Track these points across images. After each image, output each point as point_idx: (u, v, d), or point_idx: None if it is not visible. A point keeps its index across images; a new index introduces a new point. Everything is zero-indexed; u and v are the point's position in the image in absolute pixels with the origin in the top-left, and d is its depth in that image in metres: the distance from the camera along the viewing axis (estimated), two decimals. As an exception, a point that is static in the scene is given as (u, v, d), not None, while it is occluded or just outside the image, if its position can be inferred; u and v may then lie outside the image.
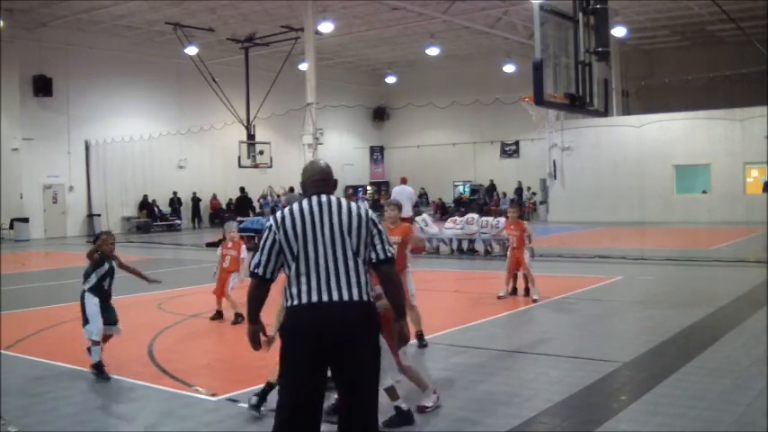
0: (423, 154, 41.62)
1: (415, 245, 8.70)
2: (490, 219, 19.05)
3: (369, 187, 42.64)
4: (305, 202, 3.96)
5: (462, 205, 36.35)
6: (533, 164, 35.78)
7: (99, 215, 30.14)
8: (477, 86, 37.07)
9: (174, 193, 33.52)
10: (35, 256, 22.75)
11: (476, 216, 19.35)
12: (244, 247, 10.34)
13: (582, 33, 9.14)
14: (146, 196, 32.28)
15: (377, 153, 43.87)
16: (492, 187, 38.46)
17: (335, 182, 4.22)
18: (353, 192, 39.75)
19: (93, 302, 7.21)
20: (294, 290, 3.84)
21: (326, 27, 26.18)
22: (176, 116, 33.31)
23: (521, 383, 6.85)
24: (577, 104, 9.34)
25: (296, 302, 3.82)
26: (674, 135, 29.72)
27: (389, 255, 4.00)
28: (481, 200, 37.77)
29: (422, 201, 37.03)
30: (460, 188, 41.08)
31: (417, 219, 20.16)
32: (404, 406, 5.61)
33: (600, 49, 9.15)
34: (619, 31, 28.19)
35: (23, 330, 9.64)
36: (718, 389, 6.31)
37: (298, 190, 28.95)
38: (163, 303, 11.58)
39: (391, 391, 5.55)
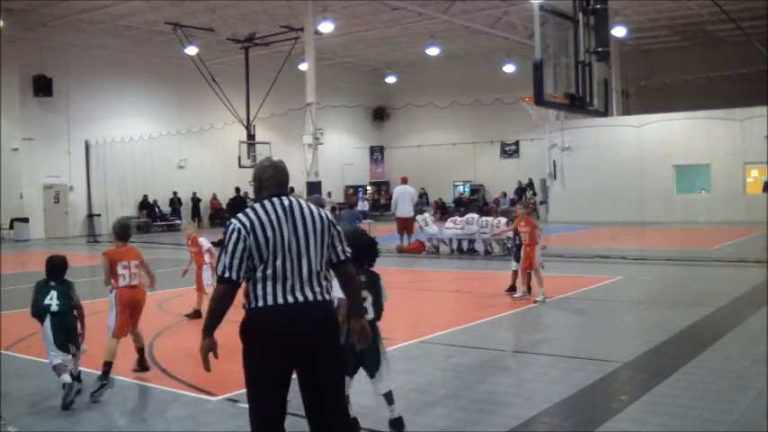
0: (423, 154, 41.61)
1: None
2: (490, 219, 19.06)
3: (369, 187, 42.64)
4: (268, 205, 3.96)
5: (462, 205, 36.35)
6: (533, 164, 35.78)
7: (99, 215, 30.13)
8: (477, 86, 37.05)
9: (174, 193, 33.52)
10: (35, 256, 22.73)
11: (476, 216, 19.35)
12: (201, 240, 10.47)
13: (582, 33, 9.16)
14: (146, 196, 32.28)
15: (377, 153, 43.86)
16: (521, 188, 37.48)
17: (289, 182, 4.28)
18: (353, 192, 39.76)
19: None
20: (259, 291, 3.85)
21: (326, 27, 26.18)
22: (176, 116, 33.31)
23: (521, 383, 6.85)
24: (577, 104, 9.36)
25: (261, 304, 3.84)
26: (674, 135, 29.71)
27: (348, 255, 4.10)
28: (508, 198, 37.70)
29: (422, 201, 37.02)
30: (460, 188, 41.08)
31: (418, 218, 20.18)
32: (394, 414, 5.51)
33: (600, 49, 9.17)
34: (619, 31, 28.17)
35: (24, 330, 9.63)
36: (718, 389, 6.31)
37: (298, 189, 28.98)
38: (163, 303, 11.58)
39: (388, 396, 5.53)
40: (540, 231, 11.27)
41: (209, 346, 3.90)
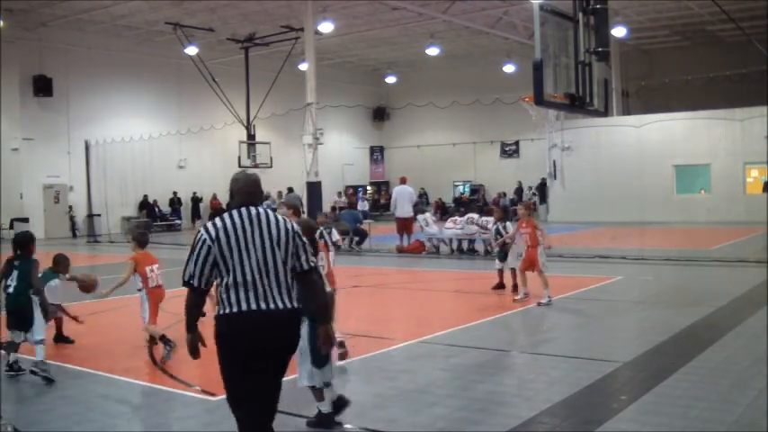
0: (423, 154, 41.62)
1: None
2: (490, 219, 19.02)
3: (369, 187, 42.64)
4: (236, 215, 4.13)
5: (462, 205, 36.34)
6: (533, 164, 35.78)
7: (99, 215, 30.14)
8: (477, 86, 37.05)
9: (174, 193, 33.52)
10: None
11: (476, 216, 19.34)
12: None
13: (582, 33, 9.16)
14: (146, 196, 32.28)
15: (377, 153, 43.86)
16: (521, 189, 37.56)
17: (262, 193, 4.45)
18: (353, 192, 39.75)
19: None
20: (232, 299, 4.03)
21: (326, 27, 26.18)
22: (176, 116, 33.31)
23: (521, 383, 6.85)
24: (577, 104, 9.36)
25: (230, 310, 4.02)
26: (674, 135, 29.72)
27: (313, 265, 4.30)
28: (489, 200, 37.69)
29: (422, 201, 37.03)
30: (460, 188, 41.08)
31: (419, 218, 20.16)
32: (324, 409, 5.64)
33: (600, 49, 9.17)
34: (619, 31, 28.18)
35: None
36: (718, 389, 6.31)
37: (297, 189, 29.01)
38: (163, 303, 11.56)
39: (317, 392, 5.61)
40: (541, 232, 11.15)
41: (193, 340, 4.24)
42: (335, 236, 13.15)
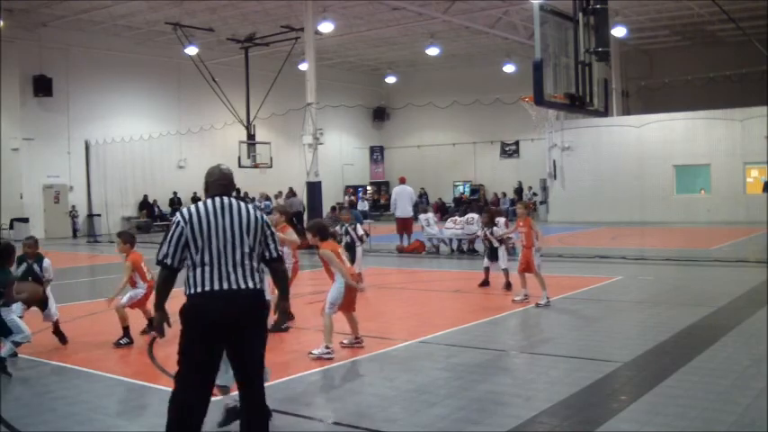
0: (423, 154, 41.63)
1: (292, 246, 9.72)
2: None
3: (369, 187, 42.65)
4: (209, 202, 4.51)
5: (462, 205, 36.30)
6: (533, 164, 35.78)
7: (99, 215, 30.15)
8: (477, 86, 37.06)
9: (174, 193, 33.52)
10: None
11: (476, 216, 19.33)
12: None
13: (582, 33, 9.14)
14: (146, 196, 32.28)
15: (377, 153, 43.86)
16: (521, 189, 37.63)
17: (234, 186, 4.81)
18: (353, 192, 39.75)
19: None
20: (197, 278, 4.34)
21: (326, 27, 26.17)
22: (176, 116, 33.31)
23: (521, 383, 6.85)
24: (577, 104, 9.34)
25: (196, 290, 4.33)
26: (674, 135, 29.73)
27: (279, 254, 4.68)
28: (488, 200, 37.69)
29: (422, 201, 37.04)
30: (460, 188, 41.09)
31: (421, 217, 20.15)
32: (230, 403, 5.57)
33: (600, 49, 9.16)
34: (619, 31, 28.18)
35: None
36: (718, 389, 6.31)
37: (297, 189, 29.00)
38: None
39: (223, 389, 5.54)
40: (536, 233, 11.00)
41: (160, 318, 4.62)
42: (360, 230, 13.33)
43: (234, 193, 4.79)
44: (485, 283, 12.95)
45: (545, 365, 7.48)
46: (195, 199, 34.03)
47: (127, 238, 9.00)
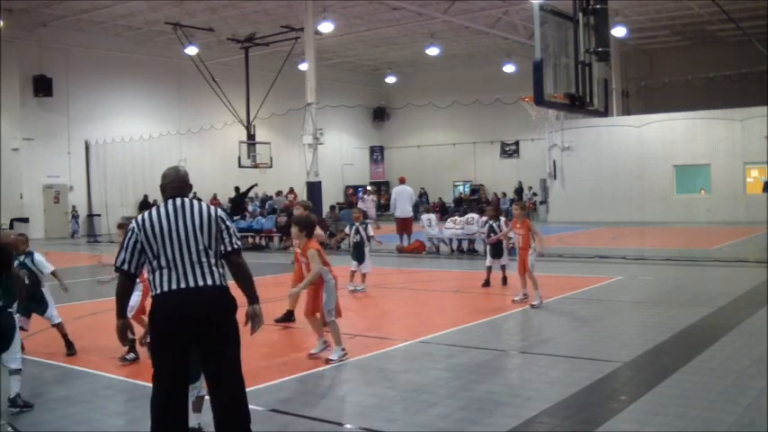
0: (423, 154, 41.63)
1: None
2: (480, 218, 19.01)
3: (369, 187, 42.67)
4: (162, 206, 4.51)
5: (463, 204, 36.30)
6: (533, 164, 35.78)
7: (99, 215, 30.15)
8: (477, 86, 37.07)
9: (174, 192, 33.49)
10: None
11: (476, 216, 19.33)
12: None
13: (582, 33, 9.15)
14: (146, 196, 32.24)
15: (377, 153, 43.86)
16: (521, 189, 37.68)
17: (190, 186, 4.76)
18: (353, 192, 39.75)
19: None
20: (157, 281, 4.38)
21: (326, 27, 26.17)
22: (176, 116, 33.32)
23: (521, 383, 6.85)
24: (577, 104, 9.35)
25: (158, 291, 4.37)
26: (674, 135, 29.73)
27: (236, 246, 4.57)
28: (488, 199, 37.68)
29: (422, 201, 37.04)
30: (460, 188, 41.09)
31: (422, 218, 20.13)
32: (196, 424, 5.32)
33: (600, 49, 9.16)
34: (619, 31, 28.18)
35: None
36: (718, 389, 6.31)
37: (297, 189, 28.99)
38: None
39: (196, 402, 5.27)
40: (537, 236, 10.90)
41: (123, 326, 4.62)
42: (371, 231, 13.26)
43: (192, 194, 4.83)
44: (487, 283, 12.88)
45: (545, 365, 7.48)
46: (195, 199, 33.95)
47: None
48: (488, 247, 13.10)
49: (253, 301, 4.60)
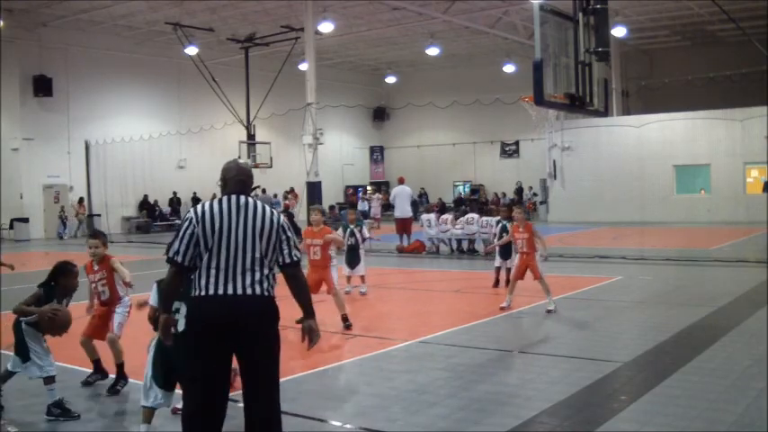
0: (423, 154, 41.64)
1: (336, 245, 10.25)
2: (490, 219, 19.02)
3: (369, 187, 42.68)
4: (224, 201, 4.22)
5: (463, 203, 36.30)
6: (533, 164, 35.78)
7: (99, 215, 30.15)
8: (477, 86, 37.07)
9: (174, 193, 33.53)
10: (35, 256, 22.73)
11: (476, 216, 19.32)
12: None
13: (582, 33, 9.14)
14: (146, 196, 32.29)
15: (377, 153, 43.87)
16: (521, 189, 37.69)
17: (252, 184, 4.48)
18: (353, 192, 39.75)
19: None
20: (203, 281, 4.10)
21: (326, 27, 26.18)
22: (176, 116, 33.32)
23: (521, 383, 6.85)
24: (577, 104, 9.34)
25: (203, 293, 4.09)
26: (674, 135, 29.73)
27: (295, 259, 4.31)
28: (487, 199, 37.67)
29: (422, 201, 37.05)
30: (460, 188, 41.09)
31: (422, 218, 20.12)
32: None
33: (600, 49, 9.15)
34: (619, 31, 28.19)
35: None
36: (718, 389, 6.31)
37: (297, 189, 28.99)
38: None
39: (147, 413, 5.27)
40: (540, 240, 10.65)
41: (167, 321, 4.36)
42: (366, 232, 13.07)
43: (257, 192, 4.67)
44: (496, 283, 12.70)
45: (545, 365, 7.48)
46: (195, 199, 34.06)
47: (105, 240, 7.21)
48: (498, 248, 12.93)
49: (309, 315, 4.33)
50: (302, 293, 4.34)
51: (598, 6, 9.10)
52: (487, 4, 27.34)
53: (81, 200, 29.90)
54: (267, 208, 4.29)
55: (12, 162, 28.27)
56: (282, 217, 4.34)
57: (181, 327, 4.85)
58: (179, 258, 4.14)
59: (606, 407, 6.04)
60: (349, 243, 12.19)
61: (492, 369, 7.39)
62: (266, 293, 4.15)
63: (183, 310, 4.88)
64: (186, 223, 4.17)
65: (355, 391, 6.73)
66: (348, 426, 5.73)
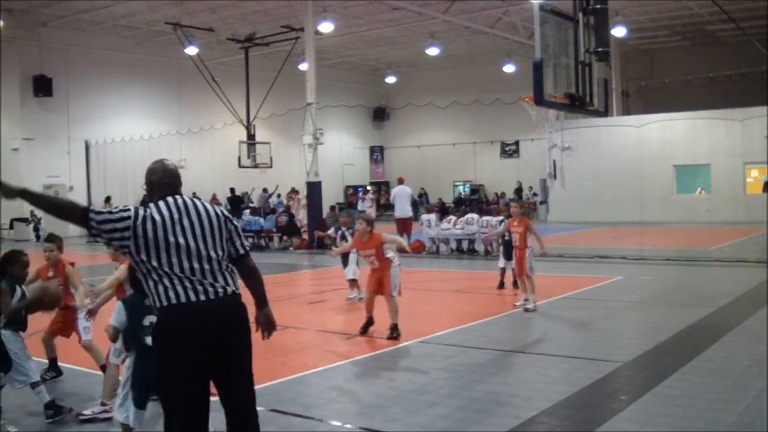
0: (423, 154, 41.63)
1: (397, 246, 9.48)
2: (490, 219, 19.03)
3: (369, 187, 42.70)
4: (162, 205, 3.88)
5: (462, 204, 36.31)
6: (533, 164, 35.78)
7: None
8: (477, 86, 37.07)
9: (174, 193, 33.50)
10: (35, 256, 22.73)
11: (476, 216, 19.33)
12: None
13: (582, 33, 9.16)
14: (145, 196, 32.21)
15: (377, 153, 43.87)
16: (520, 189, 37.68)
17: (180, 182, 4.19)
18: (353, 192, 39.75)
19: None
20: (161, 290, 3.73)
21: (326, 27, 26.17)
22: (176, 116, 33.32)
23: (521, 383, 6.84)
24: (577, 104, 9.35)
25: (167, 303, 3.72)
26: (674, 135, 29.72)
27: (247, 248, 4.13)
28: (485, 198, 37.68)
29: (421, 201, 37.05)
30: (460, 188, 41.09)
31: (423, 218, 20.12)
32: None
33: (600, 49, 9.17)
34: (619, 31, 28.17)
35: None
36: (718, 389, 6.31)
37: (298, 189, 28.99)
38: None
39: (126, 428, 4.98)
40: (535, 235, 10.63)
41: (7, 190, 4.03)
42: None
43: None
44: (501, 284, 12.54)
45: (545, 365, 7.48)
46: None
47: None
48: (501, 249, 12.83)
49: (263, 304, 4.15)
50: (257, 283, 4.14)
51: (598, 6, 9.12)
52: (487, 4, 27.33)
53: (107, 197, 29.75)
54: (208, 204, 4.07)
55: (12, 162, 28.24)
56: (222, 208, 4.11)
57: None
58: (92, 210, 3.78)
59: (606, 407, 6.04)
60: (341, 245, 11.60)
61: (492, 369, 7.39)
62: (234, 290, 3.89)
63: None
64: (126, 210, 3.80)
65: (355, 391, 6.73)
66: (348, 426, 5.73)
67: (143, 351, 4.70)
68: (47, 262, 6.92)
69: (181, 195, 4.02)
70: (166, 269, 3.75)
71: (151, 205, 3.91)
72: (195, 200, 4.06)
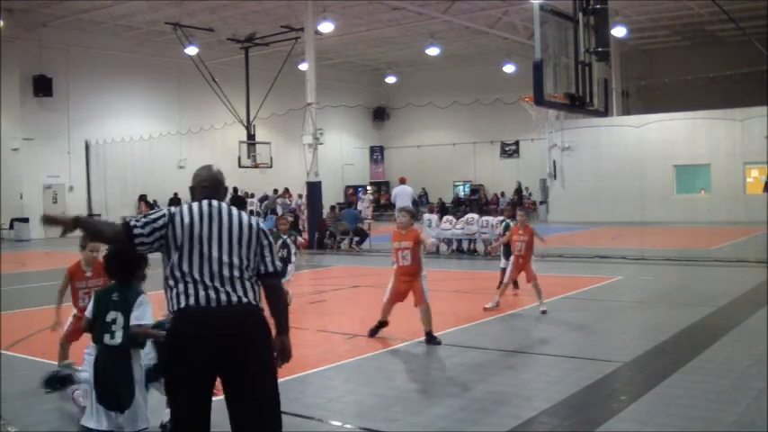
0: (423, 154, 41.64)
1: (426, 247, 9.07)
2: (490, 219, 19.03)
3: (368, 187, 42.71)
4: (195, 206, 3.87)
5: (462, 204, 36.31)
6: (533, 164, 35.78)
7: (99, 215, 30.12)
8: (477, 86, 37.08)
9: (175, 193, 33.46)
10: (35, 256, 22.74)
11: (476, 216, 19.34)
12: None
13: (582, 33, 9.15)
14: (144, 196, 32.26)
15: (377, 153, 43.88)
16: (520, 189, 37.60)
17: (226, 189, 4.18)
18: (353, 192, 39.75)
19: None
20: (179, 293, 3.70)
21: (326, 27, 26.18)
22: (176, 116, 33.32)
23: (521, 383, 6.85)
24: (577, 104, 9.35)
25: (182, 306, 3.68)
26: (674, 135, 29.73)
27: (276, 269, 3.97)
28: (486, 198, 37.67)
29: (422, 201, 37.05)
30: (460, 188, 41.10)
31: (424, 217, 20.10)
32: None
33: (600, 49, 9.16)
34: (619, 31, 28.17)
35: (23, 330, 9.64)
36: (718, 389, 6.31)
37: (297, 189, 28.97)
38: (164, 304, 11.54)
39: None
40: (540, 239, 10.64)
41: (47, 218, 3.88)
42: (293, 248, 11.19)
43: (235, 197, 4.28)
44: (502, 284, 12.54)
45: (545, 365, 7.48)
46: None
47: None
48: (502, 249, 12.83)
49: (283, 331, 3.95)
50: (281, 306, 4.00)
51: (598, 6, 9.11)
52: (487, 4, 27.33)
53: (143, 196, 29.65)
54: (243, 213, 3.95)
55: (12, 162, 28.27)
56: (262, 222, 4.06)
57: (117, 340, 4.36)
58: (133, 222, 3.74)
59: (606, 407, 6.04)
60: (281, 255, 10.45)
61: (492, 369, 7.38)
62: (250, 302, 3.76)
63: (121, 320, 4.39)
64: (158, 211, 3.81)
65: (355, 391, 6.73)
66: (348, 426, 5.73)
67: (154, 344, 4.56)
68: (83, 262, 6.66)
69: (218, 200, 3.96)
70: (185, 269, 3.71)
71: (184, 206, 3.88)
72: (231, 207, 3.97)
